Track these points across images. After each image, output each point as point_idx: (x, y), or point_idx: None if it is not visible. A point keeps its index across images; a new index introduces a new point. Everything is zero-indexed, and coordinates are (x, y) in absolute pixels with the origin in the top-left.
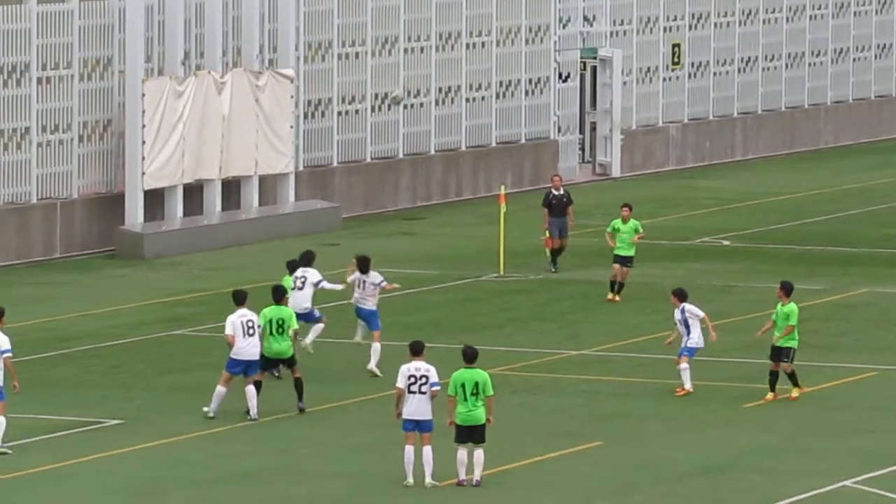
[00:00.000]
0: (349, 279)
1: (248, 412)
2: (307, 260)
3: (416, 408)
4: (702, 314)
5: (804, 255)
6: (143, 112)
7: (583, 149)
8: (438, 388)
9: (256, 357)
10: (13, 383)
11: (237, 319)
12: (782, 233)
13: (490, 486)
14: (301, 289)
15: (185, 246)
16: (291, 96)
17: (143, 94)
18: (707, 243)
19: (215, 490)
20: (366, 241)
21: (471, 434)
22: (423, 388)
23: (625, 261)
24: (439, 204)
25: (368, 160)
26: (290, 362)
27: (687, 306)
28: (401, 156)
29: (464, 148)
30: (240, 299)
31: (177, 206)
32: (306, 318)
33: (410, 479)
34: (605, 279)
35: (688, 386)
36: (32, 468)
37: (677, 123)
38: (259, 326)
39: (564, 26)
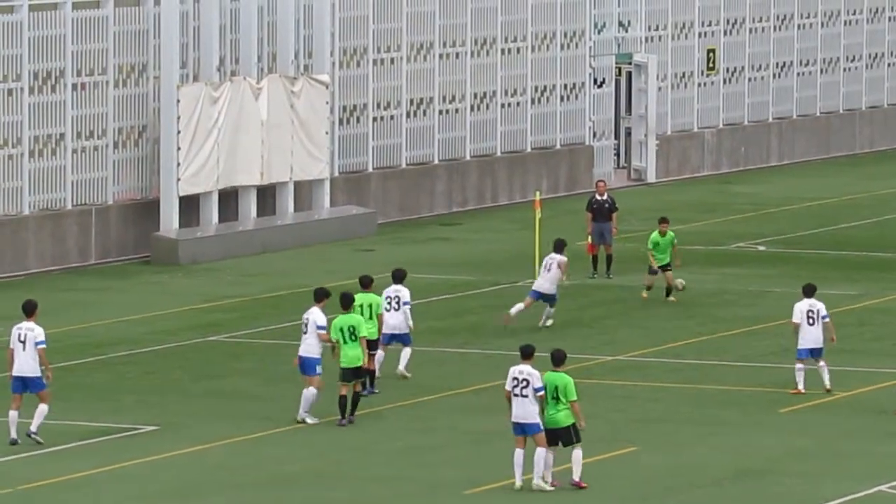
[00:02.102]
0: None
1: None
2: (399, 277)
3: (520, 411)
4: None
5: (840, 261)
6: (179, 118)
7: (618, 154)
8: (543, 392)
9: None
10: (47, 374)
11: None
12: (818, 238)
13: (526, 491)
14: (397, 309)
15: (220, 252)
16: (327, 102)
17: (179, 100)
18: (743, 248)
19: (252, 495)
20: (401, 247)
21: (555, 437)
22: (525, 392)
23: (665, 268)
24: (475, 209)
25: (404, 166)
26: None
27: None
28: (436, 161)
29: (499, 153)
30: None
31: (212, 211)
32: (402, 339)
33: (518, 482)
34: (641, 284)
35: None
36: (69, 474)
37: (712, 129)
38: (323, 328)
39: (600, 32)
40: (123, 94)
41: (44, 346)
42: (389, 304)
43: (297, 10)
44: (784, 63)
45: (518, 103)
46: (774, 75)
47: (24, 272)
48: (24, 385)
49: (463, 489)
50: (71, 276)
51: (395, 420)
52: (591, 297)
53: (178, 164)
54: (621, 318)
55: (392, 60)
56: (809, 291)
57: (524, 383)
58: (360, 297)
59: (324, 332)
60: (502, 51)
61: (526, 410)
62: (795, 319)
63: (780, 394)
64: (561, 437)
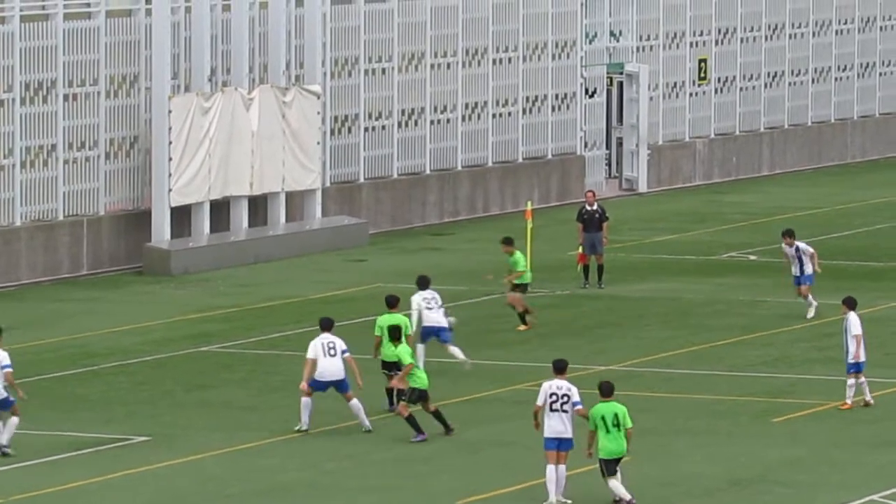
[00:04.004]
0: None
1: (364, 427)
2: (426, 283)
3: (560, 426)
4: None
5: (831, 270)
6: (170, 129)
7: (609, 164)
8: (582, 406)
9: (341, 376)
10: (19, 394)
11: (319, 342)
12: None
13: (521, 500)
14: (437, 308)
15: (212, 262)
16: (318, 112)
17: (170, 111)
18: (734, 258)
19: None
20: (393, 257)
21: (619, 464)
22: (566, 407)
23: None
24: (466, 219)
25: (395, 176)
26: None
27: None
28: (428, 171)
29: (490, 163)
30: (326, 326)
31: (204, 222)
32: (441, 336)
33: (553, 499)
34: (632, 294)
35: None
36: (62, 485)
37: (704, 138)
38: (344, 351)
39: (591, 42)
40: (115, 104)
41: (10, 369)
42: (430, 304)
43: (288, 20)
44: (775, 73)
45: (510, 113)
46: (766, 85)
47: (15, 283)
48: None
49: (456, 499)
50: (63, 287)
51: (388, 429)
52: (582, 307)
53: (170, 175)
54: (613, 328)
55: (383, 71)
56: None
57: (564, 398)
58: (387, 319)
59: (349, 355)
60: (494, 61)
61: (566, 426)
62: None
63: (773, 403)
64: (616, 465)
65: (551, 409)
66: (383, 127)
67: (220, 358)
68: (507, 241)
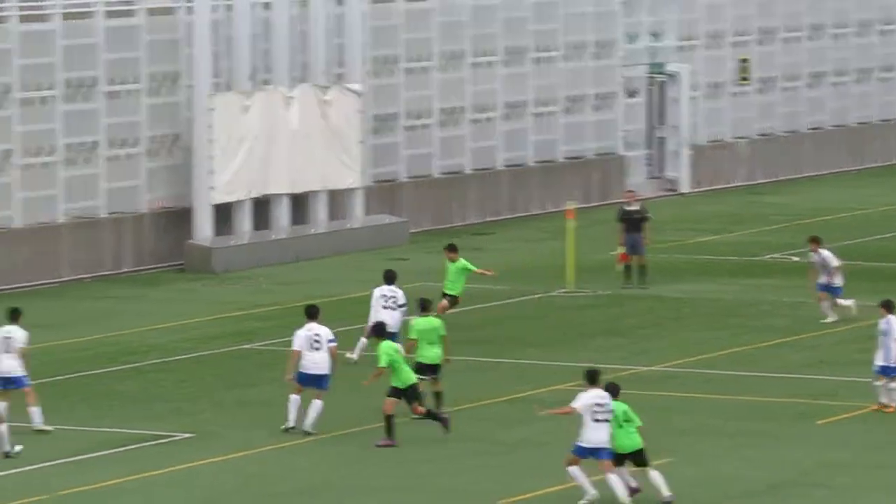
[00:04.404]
0: None
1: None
2: (391, 279)
3: (605, 436)
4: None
5: (873, 271)
6: (211, 127)
7: (651, 164)
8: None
9: (324, 371)
10: None
11: (304, 333)
12: (851, 249)
13: (558, 501)
14: (397, 308)
15: (253, 260)
16: (359, 111)
17: (211, 109)
18: (776, 259)
19: None
20: (434, 256)
21: (635, 458)
22: (609, 417)
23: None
24: (507, 219)
25: (436, 175)
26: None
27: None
28: (468, 171)
29: (531, 163)
30: (312, 314)
31: (245, 220)
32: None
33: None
34: (674, 295)
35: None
36: (103, 482)
37: (745, 139)
38: (330, 341)
39: (632, 42)
40: (156, 102)
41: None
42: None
43: (328, 19)
44: (818, 73)
45: (550, 113)
46: (808, 85)
47: (58, 280)
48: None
49: (497, 499)
50: (104, 284)
51: (428, 430)
52: (624, 308)
53: (211, 173)
54: (654, 329)
55: (423, 70)
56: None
57: (608, 409)
58: (422, 322)
59: (334, 345)
60: (534, 60)
61: (608, 435)
62: None
63: (815, 405)
64: (641, 458)
65: (595, 420)
66: (424, 126)
67: (261, 356)
68: (452, 248)
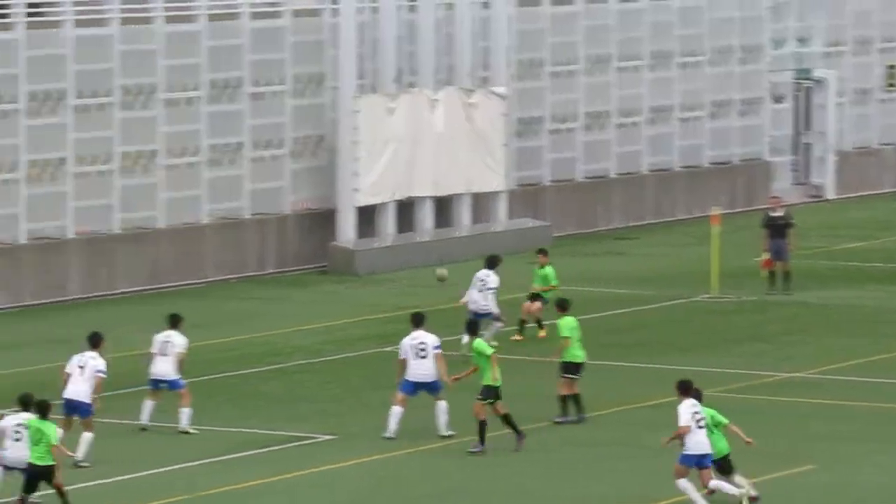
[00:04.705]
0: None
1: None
2: (494, 263)
3: (707, 440)
4: None
5: None
6: (356, 129)
7: (796, 170)
8: None
9: (432, 379)
10: (96, 401)
11: (409, 342)
12: None
13: None
14: (486, 290)
15: (396, 263)
16: (504, 114)
17: (356, 111)
18: None
19: None
20: (576, 261)
21: (722, 464)
22: (706, 425)
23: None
24: (651, 224)
25: (580, 179)
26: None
27: None
28: (613, 175)
29: (677, 168)
30: (417, 322)
31: (389, 222)
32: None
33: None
34: (819, 301)
35: None
36: (247, 482)
37: (892, 145)
38: (436, 348)
39: (778, 47)
40: (301, 104)
41: (104, 375)
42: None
43: (474, 22)
44: None
45: (696, 118)
46: None
47: (202, 281)
48: (73, 409)
49: None
50: (248, 285)
51: (565, 433)
52: (768, 314)
53: (356, 175)
54: (800, 335)
55: (569, 73)
56: None
57: (703, 415)
58: (568, 322)
59: (440, 352)
60: (679, 65)
61: (708, 443)
62: None
63: None
64: (727, 464)
65: (698, 427)
66: (569, 130)
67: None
68: (545, 252)
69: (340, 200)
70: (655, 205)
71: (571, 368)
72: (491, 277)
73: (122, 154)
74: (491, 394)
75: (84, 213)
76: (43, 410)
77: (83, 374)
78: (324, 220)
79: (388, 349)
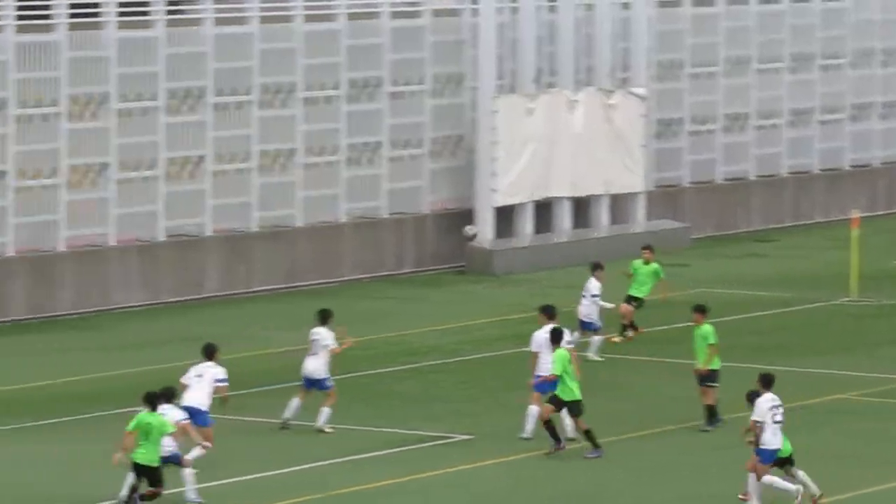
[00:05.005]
0: None
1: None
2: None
3: (779, 438)
4: None
5: None
6: (495, 129)
7: None
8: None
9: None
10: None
11: (542, 335)
12: None
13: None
14: (589, 297)
15: (534, 263)
16: (643, 115)
17: (495, 111)
18: None
19: None
20: (715, 263)
21: (785, 461)
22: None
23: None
24: (790, 226)
25: (719, 181)
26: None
27: None
28: (752, 177)
29: (816, 170)
30: (551, 315)
31: (527, 223)
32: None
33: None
34: None
35: None
36: (381, 481)
37: None
38: (570, 343)
39: None
40: (440, 103)
41: (225, 384)
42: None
43: (614, 22)
44: None
45: (836, 120)
46: None
47: (338, 280)
48: (190, 416)
49: None
50: (385, 285)
51: (710, 438)
52: None
53: (494, 175)
54: None
55: (709, 75)
56: None
57: (782, 410)
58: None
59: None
60: (821, 67)
61: (781, 439)
62: None
63: None
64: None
65: (775, 422)
66: (708, 131)
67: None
68: (650, 249)
69: (478, 200)
70: (794, 207)
71: (714, 377)
72: (591, 284)
73: (260, 152)
74: (559, 404)
75: (222, 212)
76: (153, 402)
77: (200, 383)
78: (461, 219)
79: (525, 350)
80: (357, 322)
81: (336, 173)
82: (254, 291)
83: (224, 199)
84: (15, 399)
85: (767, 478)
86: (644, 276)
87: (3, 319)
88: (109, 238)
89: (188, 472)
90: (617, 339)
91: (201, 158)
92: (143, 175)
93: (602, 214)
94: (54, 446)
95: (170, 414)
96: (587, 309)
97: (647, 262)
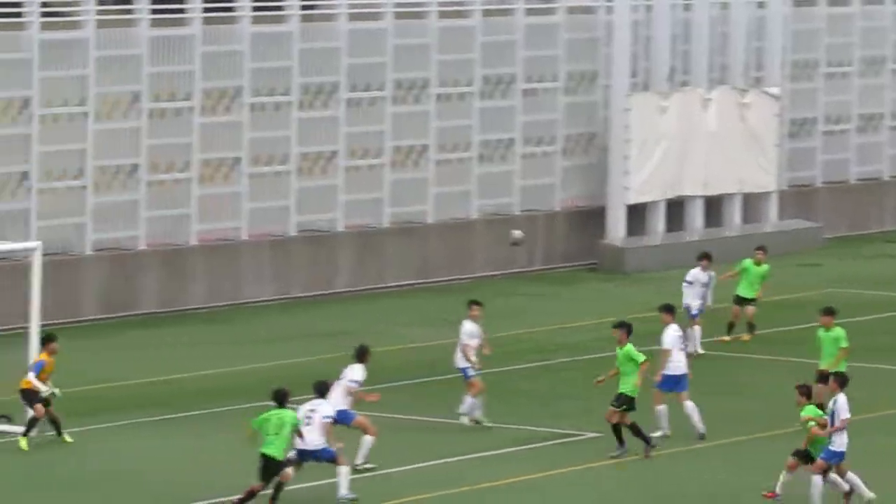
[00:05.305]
0: None
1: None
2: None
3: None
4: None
5: None
6: (628, 127)
7: None
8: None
9: (683, 371)
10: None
11: (675, 333)
12: None
13: None
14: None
15: (665, 261)
16: (776, 115)
17: (628, 109)
18: None
19: None
20: (848, 263)
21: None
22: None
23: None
24: None
25: (853, 181)
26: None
27: None
28: (886, 177)
29: None
30: (674, 312)
31: (658, 221)
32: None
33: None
34: None
35: None
36: (514, 477)
37: None
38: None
39: None
40: (573, 101)
41: (330, 419)
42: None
43: (749, 21)
44: None
45: None
46: None
47: (469, 276)
48: (312, 457)
49: None
50: (516, 282)
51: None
52: None
53: (627, 173)
54: None
55: (843, 75)
56: None
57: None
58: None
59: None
60: None
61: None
62: None
63: None
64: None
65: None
66: (842, 131)
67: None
68: (763, 249)
69: (610, 198)
70: None
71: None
72: (693, 273)
73: (393, 148)
74: (625, 402)
75: (354, 207)
76: (281, 399)
77: (338, 387)
78: (593, 217)
79: (656, 348)
80: (488, 319)
81: (468, 170)
82: (385, 287)
83: (356, 195)
84: (146, 393)
85: (850, 476)
86: (754, 277)
87: (134, 312)
88: (242, 232)
89: (343, 469)
90: (728, 339)
91: (334, 154)
92: (275, 170)
93: (734, 213)
94: (187, 439)
95: (319, 409)
96: (692, 299)
97: (758, 264)
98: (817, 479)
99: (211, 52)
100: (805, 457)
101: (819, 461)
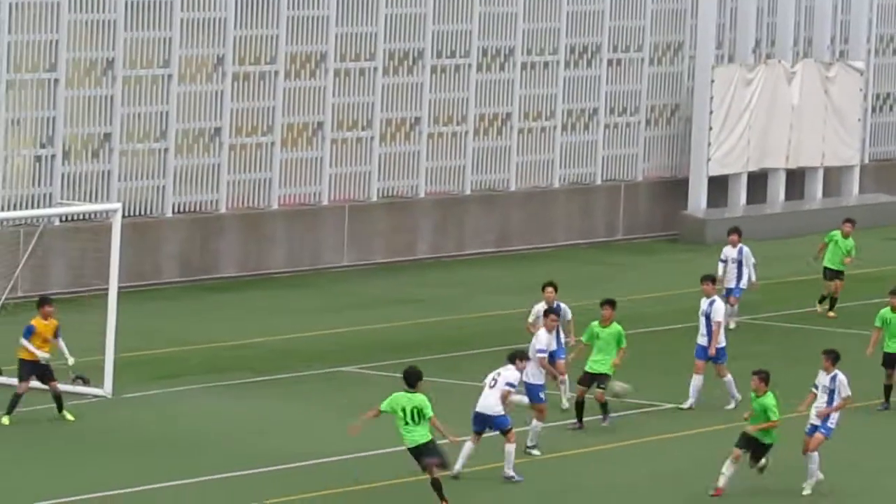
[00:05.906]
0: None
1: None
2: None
3: None
4: None
5: None
6: (712, 98)
7: None
8: None
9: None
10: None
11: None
12: None
13: None
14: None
15: (747, 233)
16: (860, 89)
17: (713, 81)
18: None
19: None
20: None
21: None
22: None
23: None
24: None
25: None
26: None
27: None
28: None
29: None
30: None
31: (740, 193)
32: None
33: None
34: None
35: None
36: (589, 447)
37: None
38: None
39: None
40: (658, 72)
41: (544, 354)
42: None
43: None
44: None
45: None
46: None
47: (551, 244)
48: (485, 423)
49: None
50: (597, 251)
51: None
52: None
53: (709, 145)
54: None
55: None
56: None
57: None
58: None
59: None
60: None
61: None
62: None
63: None
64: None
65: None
66: None
67: (751, 330)
68: (851, 222)
69: (693, 170)
70: None
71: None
72: (724, 250)
73: (476, 116)
74: (605, 381)
75: (436, 174)
76: (413, 381)
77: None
78: (675, 188)
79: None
80: (569, 287)
81: (552, 139)
82: (465, 255)
83: (438, 162)
84: (225, 355)
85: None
86: (841, 249)
87: (215, 276)
88: (323, 197)
89: (510, 448)
90: (819, 310)
91: (417, 120)
92: (357, 136)
93: (816, 187)
94: (272, 401)
95: (505, 373)
96: (730, 273)
97: (846, 236)
98: (814, 456)
99: (297, 16)
100: (749, 444)
101: (818, 435)
